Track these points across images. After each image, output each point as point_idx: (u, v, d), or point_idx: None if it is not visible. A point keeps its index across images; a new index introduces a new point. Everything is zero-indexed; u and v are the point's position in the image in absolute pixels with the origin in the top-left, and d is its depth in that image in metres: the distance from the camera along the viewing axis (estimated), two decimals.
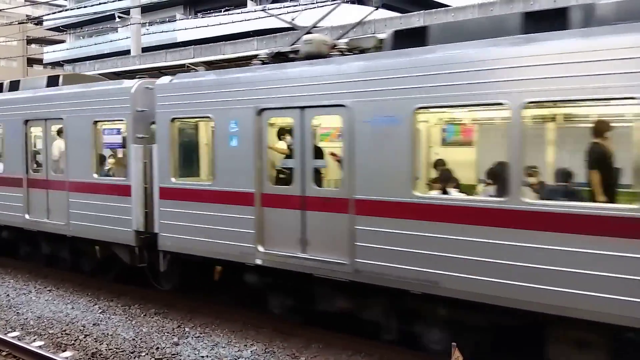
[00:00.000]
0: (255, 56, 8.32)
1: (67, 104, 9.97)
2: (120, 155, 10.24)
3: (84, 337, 7.87)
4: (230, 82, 7.79)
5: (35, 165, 11.10)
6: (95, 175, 9.59)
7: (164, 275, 9.07)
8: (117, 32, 42.35)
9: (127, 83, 9.30)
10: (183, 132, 8.90)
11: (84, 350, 7.40)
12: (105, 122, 9.81)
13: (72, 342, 7.72)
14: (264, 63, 7.89)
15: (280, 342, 7.60)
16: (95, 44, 40.40)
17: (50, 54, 50.42)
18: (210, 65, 12.70)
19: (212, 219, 7.95)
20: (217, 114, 7.90)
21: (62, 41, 53.82)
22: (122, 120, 9.25)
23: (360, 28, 16.28)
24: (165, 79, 8.75)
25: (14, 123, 11.01)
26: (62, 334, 8.04)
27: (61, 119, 10.09)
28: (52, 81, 10.99)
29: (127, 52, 25.13)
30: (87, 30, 46.83)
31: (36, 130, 11.06)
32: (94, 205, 9.40)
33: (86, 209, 9.58)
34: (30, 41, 57.24)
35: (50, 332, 8.13)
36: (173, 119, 8.40)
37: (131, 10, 21.38)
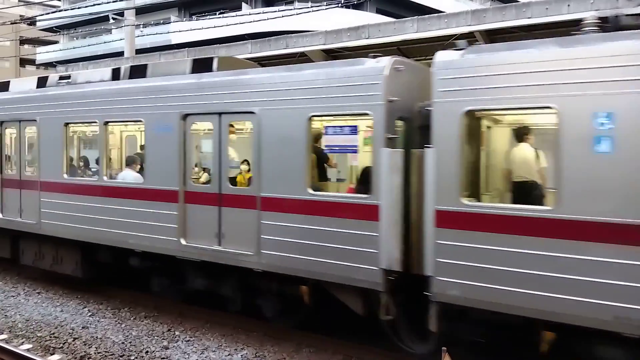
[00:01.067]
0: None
1: (260, 93, 7.21)
2: (354, 162, 8.29)
3: (73, 340, 7.81)
4: None
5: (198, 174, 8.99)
6: (310, 190, 6.87)
7: (429, 335, 6.22)
8: (111, 33, 42.26)
9: (371, 62, 6.59)
10: (480, 132, 6.66)
11: (72, 353, 7.34)
12: (330, 118, 7.21)
13: (61, 345, 7.66)
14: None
15: (270, 346, 7.58)
16: (89, 45, 40.29)
17: (44, 54, 50.19)
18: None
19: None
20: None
21: (56, 42, 53.61)
22: (365, 114, 6.54)
23: (355, 32, 16.32)
24: (451, 54, 6.02)
25: (164, 119, 8.18)
26: (50, 336, 7.97)
27: (251, 112, 7.32)
28: (201, 66, 8.31)
29: (121, 53, 25.06)
30: (81, 31, 46.68)
31: (201, 129, 8.86)
32: (308, 230, 6.78)
33: (292, 235, 6.92)
34: (23, 41, 56.96)
35: (38, 335, 8.06)
36: (467, 112, 5.80)
37: (125, 11, 21.32)
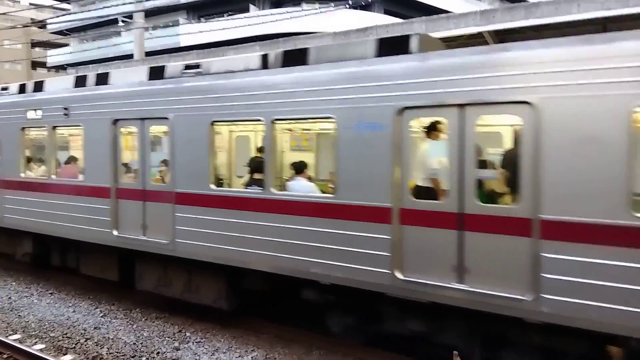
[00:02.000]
0: None
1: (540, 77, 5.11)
2: None
3: (85, 341, 7.89)
4: None
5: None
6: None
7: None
8: (120, 36, 42.61)
9: None
10: None
11: (84, 353, 7.42)
12: None
13: (73, 345, 7.74)
14: None
15: (281, 347, 7.61)
16: (99, 48, 40.67)
17: (54, 57, 50.70)
18: None
19: None
20: None
21: (66, 44, 54.15)
22: None
23: (363, 34, 16.34)
24: None
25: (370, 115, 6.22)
26: (63, 337, 8.06)
27: (527, 104, 5.17)
28: (393, 46, 6.42)
29: (130, 56, 25.25)
30: (91, 34, 47.08)
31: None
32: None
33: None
34: (34, 44, 57.55)
35: (51, 335, 8.16)
36: None
37: (134, 14, 21.49)
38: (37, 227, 10.32)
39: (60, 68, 49.24)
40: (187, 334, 8.22)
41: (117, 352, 7.45)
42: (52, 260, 10.99)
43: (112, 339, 7.99)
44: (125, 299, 9.87)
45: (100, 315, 9.09)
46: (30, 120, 10.42)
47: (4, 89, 11.36)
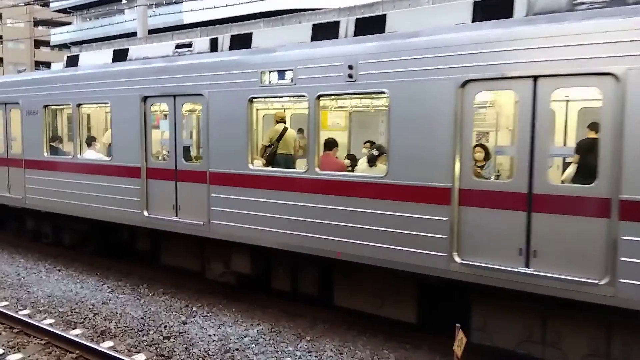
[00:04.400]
0: None
1: None
2: None
3: (93, 316, 8.01)
4: None
5: None
6: None
7: None
8: (123, 14, 42.25)
9: None
10: None
11: (93, 328, 7.54)
12: None
13: (82, 320, 7.86)
14: None
15: (286, 321, 7.70)
16: (102, 26, 40.36)
17: (57, 35, 50.40)
18: None
19: None
20: None
21: (69, 23, 53.75)
22: None
23: (369, 9, 16.14)
24: None
25: None
26: (71, 312, 8.18)
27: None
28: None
29: (134, 34, 25.05)
30: (94, 12, 46.69)
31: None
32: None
33: None
34: (37, 23, 57.18)
35: (60, 310, 8.28)
36: None
37: None
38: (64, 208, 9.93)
39: (64, 47, 49.00)
40: (194, 308, 8.32)
41: (125, 326, 7.57)
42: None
43: (119, 313, 8.10)
44: (132, 275, 9.98)
45: (108, 290, 9.21)
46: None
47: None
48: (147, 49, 8.98)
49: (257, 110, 9.41)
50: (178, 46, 8.36)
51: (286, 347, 6.86)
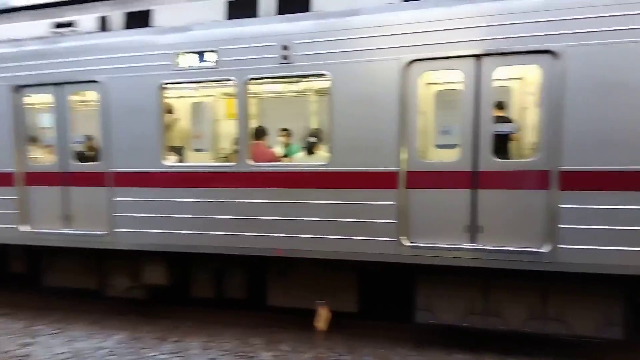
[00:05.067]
0: None
1: None
2: None
3: None
4: None
5: None
6: None
7: None
8: None
9: None
10: None
11: None
12: None
13: None
14: None
15: (147, 326, 7.01)
16: None
17: None
18: None
19: None
20: None
21: None
22: None
23: None
24: None
25: None
26: None
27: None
28: None
29: None
30: None
31: None
32: None
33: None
34: None
35: None
36: None
37: None
38: None
39: None
40: (38, 327, 6.89)
41: None
42: None
43: None
44: None
45: None
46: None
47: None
48: (10, 28, 7.66)
49: (180, 98, 8.26)
50: (59, 25, 7.31)
51: (149, 353, 6.16)
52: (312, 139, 6.36)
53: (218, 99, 8.39)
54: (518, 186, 5.21)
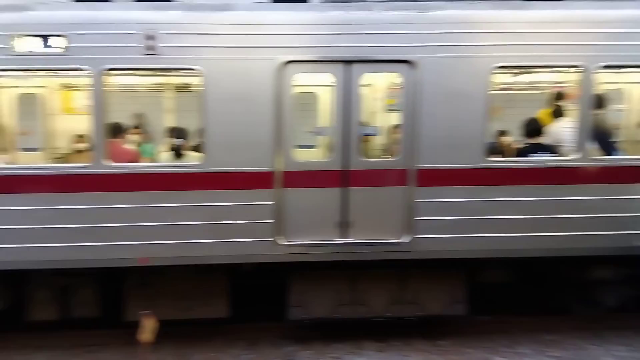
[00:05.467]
0: None
1: None
2: None
3: None
4: None
5: None
6: None
7: None
8: None
9: None
10: None
11: None
12: None
13: None
14: None
15: None
16: None
17: None
18: None
19: None
20: None
21: None
22: None
23: None
24: None
25: None
26: None
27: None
28: None
29: None
30: None
31: None
32: None
33: None
34: None
35: None
36: None
37: None
38: None
39: None
40: None
41: None
42: None
43: None
44: None
45: None
46: None
47: None
48: None
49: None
50: None
51: None
52: (179, 141, 5.95)
53: (54, 91, 7.38)
54: (383, 184, 5.69)
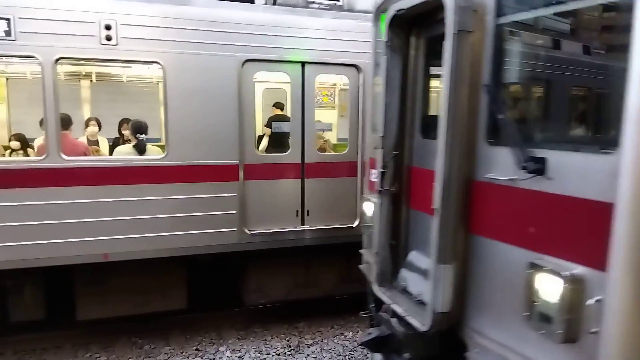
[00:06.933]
0: None
1: None
2: None
3: None
4: None
5: None
6: None
7: None
8: None
9: None
10: None
11: None
12: None
13: None
14: None
15: None
16: None
17: None
18: None
19: None
20: None
21: None
22: None
23: None
24: None
25: None
26: None
27: None
28: None
29: None
30: None
31: None
32: None
33: None
34: None
35: None
36: None
37: None
38: None
39: None
40: None
41: None
42: None
43: None
44: None
45: None
46: None
47: None
48: None
49: None
50: None
51: None
52: (142, 136, 5.71)
53: None
54: (335, 175, 6.20)
